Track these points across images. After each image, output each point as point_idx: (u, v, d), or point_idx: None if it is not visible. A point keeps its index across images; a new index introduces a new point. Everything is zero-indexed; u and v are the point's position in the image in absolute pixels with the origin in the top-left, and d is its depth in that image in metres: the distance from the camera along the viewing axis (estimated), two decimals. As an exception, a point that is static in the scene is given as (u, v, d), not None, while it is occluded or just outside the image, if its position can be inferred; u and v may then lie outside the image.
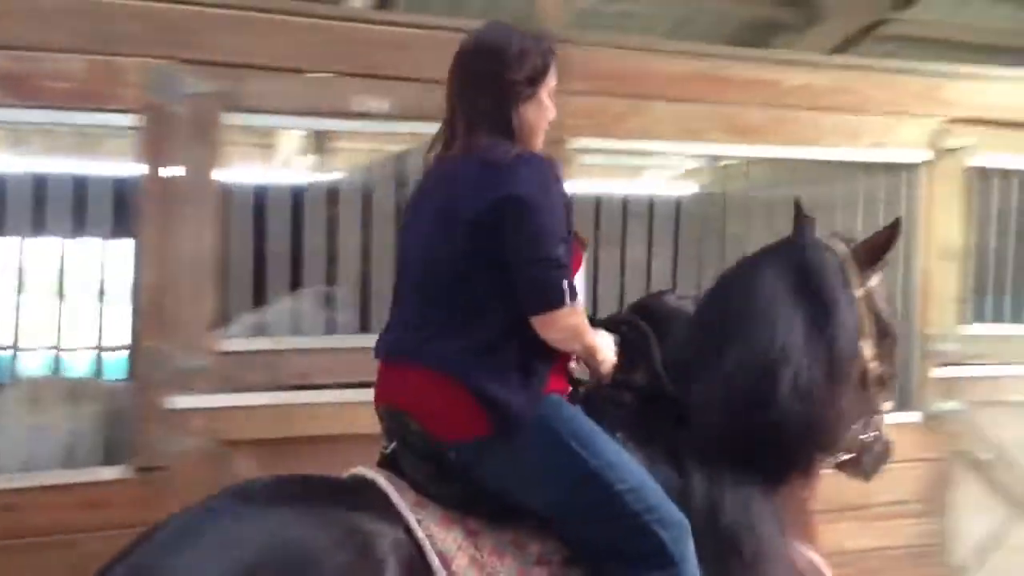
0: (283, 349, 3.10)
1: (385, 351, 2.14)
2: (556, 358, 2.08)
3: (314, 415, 3.10)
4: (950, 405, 4.17)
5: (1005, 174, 4.27)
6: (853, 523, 3.99)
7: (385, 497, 1.97)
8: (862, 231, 4.05)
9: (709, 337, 2.33)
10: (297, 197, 3.12)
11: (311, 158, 4.92)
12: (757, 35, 6.49)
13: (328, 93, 3.19)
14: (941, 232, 4.15)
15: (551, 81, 2.15)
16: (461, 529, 2.00)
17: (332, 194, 3.25)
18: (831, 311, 2.38)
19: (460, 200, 2.01)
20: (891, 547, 4.08)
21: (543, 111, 2.14)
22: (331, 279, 3.24)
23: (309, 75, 3.15)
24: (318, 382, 3.08)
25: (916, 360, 4.15)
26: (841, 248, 2.52)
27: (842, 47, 6.30)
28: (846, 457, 2.56)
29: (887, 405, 2.63)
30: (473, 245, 1.99)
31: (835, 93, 3.90)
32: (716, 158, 3.88)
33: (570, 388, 2.16)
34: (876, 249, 2.53)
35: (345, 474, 2.12)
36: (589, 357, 2.16)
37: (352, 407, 3.06)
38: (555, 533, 2.05)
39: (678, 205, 4.12)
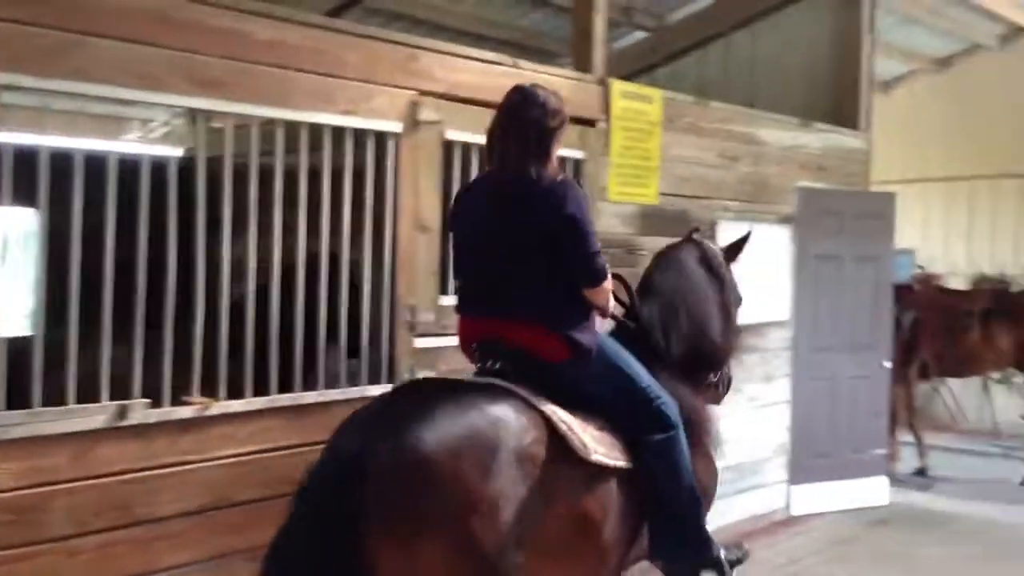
0: None
1: (476, 308, 3.18)
2: (593, 309, 3.17)
3: None
4: (428, 374, 4.23)
5: (478, 149, 4.42)
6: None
7: (509, 391, 2.85)
8: (351, 199, 3.95)
9: (661, 296, 3.62)
10: None
11: None
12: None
13: None
14: (417, 204, 4.18)
15: (567, 125, 3.20)
16: (564, 410, 2.95)
17: None
18: (724, 283, 3.86)
19: (532, 212, 2.99)
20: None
21: (560, 145, 3.17)
22: None
23: None
24: None
25: (396, 331, 4.15)
26: (718, 247, 4.03)
27: (335, 12, 6.23)
28: (714, 379, 3.83)
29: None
30: (549, 243, 2.99)
31: (307, 53, 3.71)
32: (195, 115, 3.45)
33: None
34: (735, 250, 4.05)
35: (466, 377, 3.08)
36: (605, 308, 3.23)
37: None
38: (604, 414, 3.11)
39: (159, 168, 3.58)
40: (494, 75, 4.47)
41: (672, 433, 3.17)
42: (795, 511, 6.39)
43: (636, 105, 5.26)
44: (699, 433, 3.45)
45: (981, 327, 7.89)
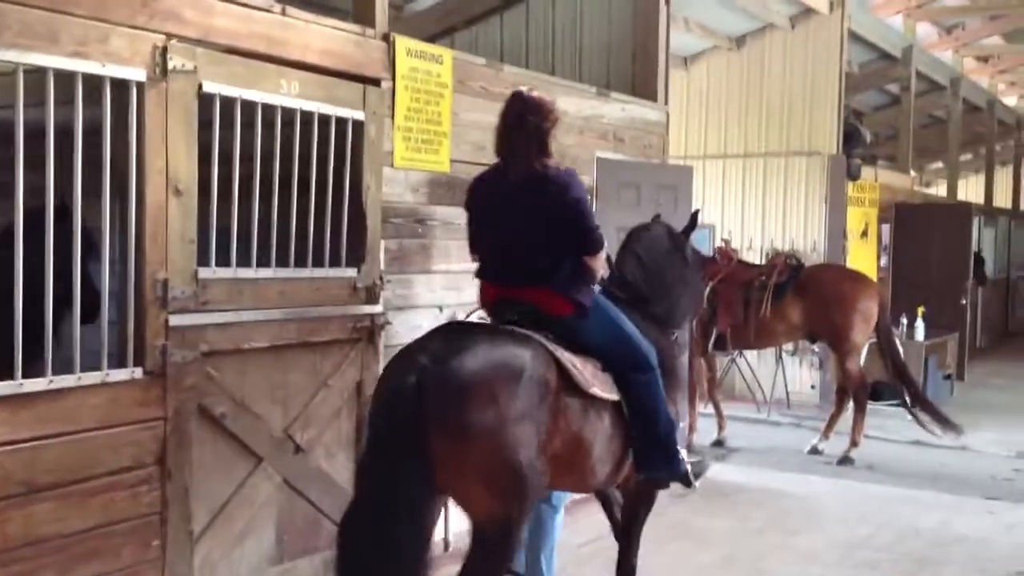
0: None
1: (496, 276, 3.85)
2: (589, 274, 3.87)
3: None
4: (184, 356, 3.78)
5: (242, 105, 3.96)
6: (61, 503, 3.37)
7: (527, 334, 3.49)
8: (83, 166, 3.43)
9: (640, 262, 4.40)
10: None
11: None
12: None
13: None
14: (169, 164, 3.69)
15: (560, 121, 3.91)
16: (568, 352, 3.58)
17: None
18: (687, 253, 4.66)
19: (542, 198, 3.67)
20: (115, 522, 3.56)
21: (553, 141, 3.81)
22: None
23: None
24: None
25: (144, 307, 3.66)
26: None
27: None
28: (678, 334, 4.58)
29: None
30: (558, 222, 3.68)
31: (20, -19, 3.16)
32: None
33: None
34: (689, 228, 4.77)
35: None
36: (600, 271, 3.99)
37: None
38: (598, 357, 3.76)
39: None
40: (259, 22, 4.02)
41: (652, 373, 3.86)
42: (595, 487, 6.30)
43: (424, 65, 4.93)
44: (670, 374, 4.14)
45: (774, 301, 8.10)
